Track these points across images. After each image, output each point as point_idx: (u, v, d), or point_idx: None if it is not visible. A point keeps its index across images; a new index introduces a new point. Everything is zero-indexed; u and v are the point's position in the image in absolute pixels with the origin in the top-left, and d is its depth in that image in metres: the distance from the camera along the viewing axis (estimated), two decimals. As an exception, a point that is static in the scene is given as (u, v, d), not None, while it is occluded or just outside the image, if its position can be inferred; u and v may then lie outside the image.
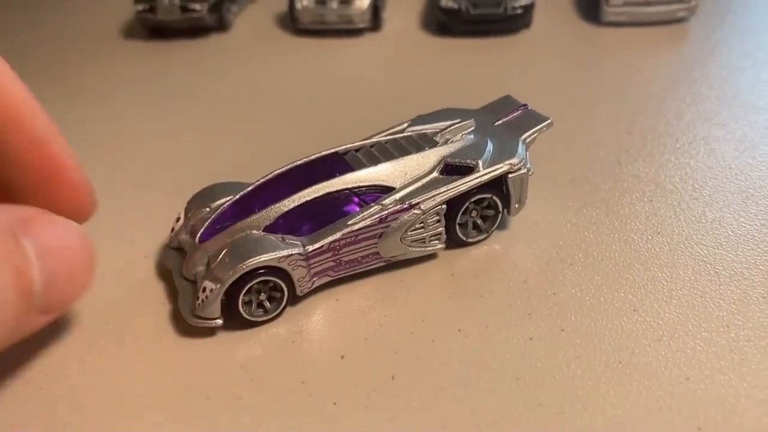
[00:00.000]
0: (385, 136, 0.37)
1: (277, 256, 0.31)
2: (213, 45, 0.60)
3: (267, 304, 0.32)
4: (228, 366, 0.30)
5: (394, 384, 0.29)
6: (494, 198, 0.35)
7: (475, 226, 0.35)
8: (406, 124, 0.38)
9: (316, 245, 0.32)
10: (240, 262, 0.30)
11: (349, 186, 0.33)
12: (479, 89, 0.50)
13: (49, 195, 0.30)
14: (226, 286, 0.30)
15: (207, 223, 0.33)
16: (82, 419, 0.28)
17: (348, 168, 0.34)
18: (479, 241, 0.36)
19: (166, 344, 0.31)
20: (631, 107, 0.47)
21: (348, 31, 0.59)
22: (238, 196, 0.34)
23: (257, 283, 0.31)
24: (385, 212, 0.32)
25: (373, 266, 0.34)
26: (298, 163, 0.35)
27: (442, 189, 0.33)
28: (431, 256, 0.35)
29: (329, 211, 0.33)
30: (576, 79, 0.52)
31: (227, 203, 0.34)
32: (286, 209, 0.33)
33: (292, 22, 0.59)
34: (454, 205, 0.34)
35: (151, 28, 0.61)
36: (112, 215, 0.39)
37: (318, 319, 0.32)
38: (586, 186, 0.39)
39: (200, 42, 0.60)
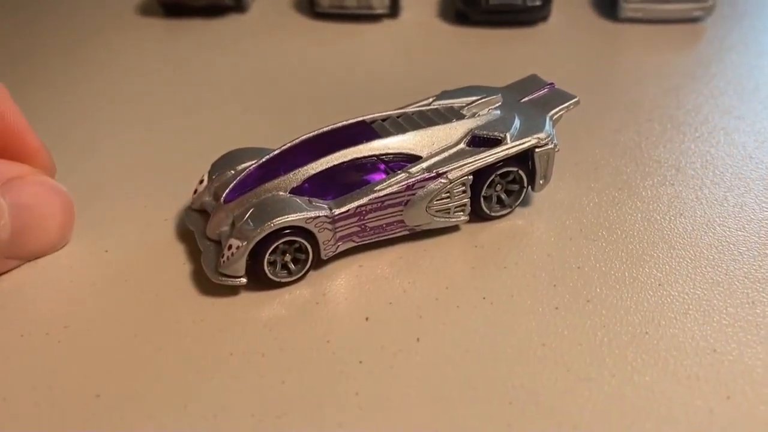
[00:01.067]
0: (412, 108, 0.37)
1: (305, 216, 0.31)
2: (230, 25, 0.60)
3: (291, 265, 0.31)
4: (251, 324, 0.30)
5: (419, 346, 0.29)
6: (520, 172, 0.35)
7: (499, 201, 0.35)
8: (431, 99, 0.38)
9: (343, 209, 0.31)
10: (267, 220, 0.30)
11: (376, 153, 0.33)
12: (496, 78, 0.50)
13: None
14: (253, 243, 0.30)
15: (232, 184, 0.33)
16: (106, 379, 0.28)
17: (375, 135, 0.34)
18: (502, 216, 0.36)
19: (188, 303, 0.31)
20: (650, 98, 0.47)
21: (366, 16, 0.59)
22: (263, 159, 0.33)
23: (283, 243, 0.31)
24: (413, 179, 0.32)
25: (397, 234, 0.33)
26: (325, 129, 0.35)
27: (470, 159, 0.33)
28: (453, 229, 0.35)
29: (355, 177, 0.33)
30: (594, 71, 0.52)
31: (253, 166, 0.33)
32: (312, 172, 0.32)
33: (310, 6, 0.59)
34: (480, 177, 0.34)
35: (168, 6, 0.61)
36: (131, 181, 0.39)
37: (341, 283, 0.32)
38: (608, 168, 0.39)
39: (217, 22, 0.60)
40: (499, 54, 0.54)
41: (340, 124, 0.35)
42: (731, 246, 0.33)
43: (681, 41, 0.56)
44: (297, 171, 0.32)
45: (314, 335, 0.29)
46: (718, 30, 0.57)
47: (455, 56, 0.54)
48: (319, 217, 0.31)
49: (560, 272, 0.32)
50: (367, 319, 0.30)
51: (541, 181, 0.35)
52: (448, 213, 0.34)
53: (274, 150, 0.34)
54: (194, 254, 0.33)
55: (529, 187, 0.36)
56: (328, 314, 0.30)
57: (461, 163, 0.33)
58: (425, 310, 0.30)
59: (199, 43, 0.57)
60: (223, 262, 0.31)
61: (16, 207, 0.31)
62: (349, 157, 0.33)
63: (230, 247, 0.30)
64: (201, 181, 0.35)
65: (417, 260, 0.33)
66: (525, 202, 0.36)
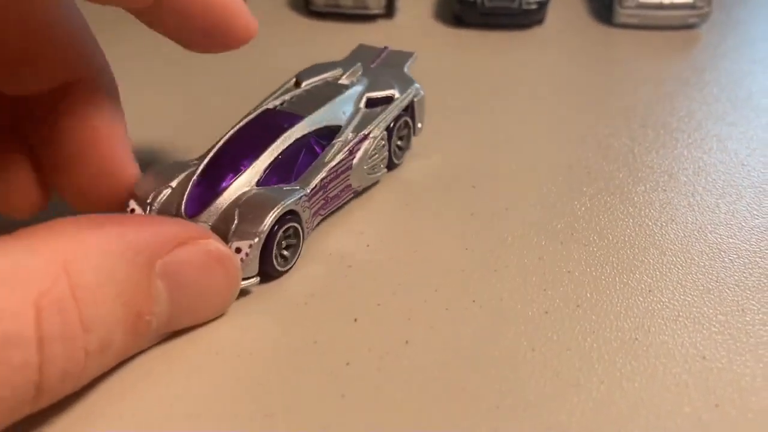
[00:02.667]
0: (295, 92, 0.38)
1: (296, 198, 0.31)
2: (224, 22, 0.59)
3: (286, 252, 0.32)
4: (237, 324, 0.30)
5: (407, 348, 0.28)
6: (407, 119, 0.39)
7: (399, 148, 0.39)
8: (292, 81, 0.39)
9: (312, 186, 0.33)
10: (268, 211, 0.30)
11: (308, 131, 0.34)
12: (491, 80, 0.50)
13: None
14: (264, 236, 0.30)
15: (185, 198, 0.31)
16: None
17: (296, 117, 0.35)
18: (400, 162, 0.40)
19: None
20: (644, 104, 0.47)
21: (361, 16, 0.59)
22: (202, 167, 0.32)
23: (283, 231, 0.31)
24: (351, 144, 0.35)
25: (347, 200, 0.36)
26: (242, 124, 0.34)
27: (382, 116, 0.37)
28: (444, 231, 0.35)
29: (301, 157, 0.34)
30: (588, 75, 0.52)
31: (194, 175, 0.32)
32: (268, 162, 0.32)
33: (305, 4, 0.59)
34: (387, 130, 0.38)
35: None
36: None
37: (329, 285, 0.32)
38: (601, 173, 0.39)
39: (211, 19, 0.60)
40: (494, 57, 0.54)
41: (253, 115, 0.35)
42: (722, 253, 0.33)
43: (676, 48, 0.56)
44: (252, 166, 0.32)
45: (301, 336, 0.29)
46: (712, 37, 0.57)
47: (450, 58, 0.54)
48: (302, 197, 0.32)
49: (551, 276, 0.32)
50: (355, 320, 0.30)
51: (419, 125, 0.40)
52: (376, 169, 0.37)
53: (201, 158, 0.33)
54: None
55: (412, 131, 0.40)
56: (315, 315, 0.30)
57: (377, 121, 0.37)
58: (414, 313, 0.30)
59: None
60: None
61: (175, 289, 0.26)
62: (291, 140, 0.34)
63: (239, 250, 0.30)
64: (131, 210, 0.31)
65: (406, 262, 0.33)
66: (513, 209, 0.36)
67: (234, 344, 0.29)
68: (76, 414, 0.26)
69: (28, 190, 0.32)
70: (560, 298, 0.31)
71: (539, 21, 0.58)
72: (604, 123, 0.45)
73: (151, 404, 0.26)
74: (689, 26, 0.58)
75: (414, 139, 0.40)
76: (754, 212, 0.36)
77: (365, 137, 0.36)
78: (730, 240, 0.34)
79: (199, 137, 0.35)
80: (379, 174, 0.37)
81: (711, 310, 0.30)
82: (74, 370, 0.23)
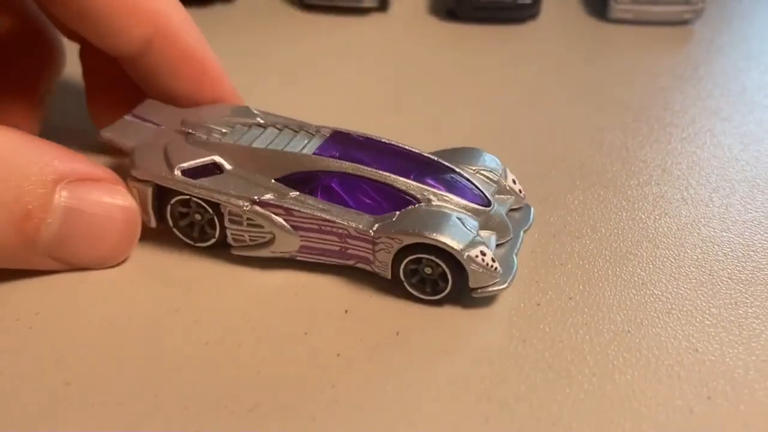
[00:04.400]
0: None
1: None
2: (217, 15, 0.59)
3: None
4: (227, 314, 0.29)
5: (399, 339, 0.28)
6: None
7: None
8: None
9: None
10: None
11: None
12: (484, 75, 0.50)
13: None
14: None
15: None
16: (76, 366, 0.27)
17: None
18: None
19: (163, 292, 0.30)
20: (637, 98, 0.47)
21: (355, 9, 0.58)
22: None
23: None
24: None
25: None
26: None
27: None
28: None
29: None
30: (582, 69, 0.51)
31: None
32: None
33: (299, -3, 0.59)
34: None
35: (155, -6, 0.60)
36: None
37: (321, 275, 0.31)
38: (594, 167, 0.39)
39: (204, 11, 0.59)
40: (489, 51, 0.54)
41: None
42: (715, 246, 0.33)
43: (670, 43, 0.56)
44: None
45: (292, 327, 0.29)
46: (706, 32, 0.57)
47: (444, 52, 0.54)
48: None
49: (543, 269, 0.32)
50: (346, 311, 0.29)
51: None
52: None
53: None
54: (167, 237, 0.32)
55: None
56: (306, 306, 0.30)
57: None
58: (405, 304, 0.30)
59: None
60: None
61: (71, 211, 0.29)
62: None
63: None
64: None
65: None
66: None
67: (222, 335, 0.28)
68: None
69: None
70: (552, 291, 0.30)
71: (533, 15, 0.58)
72: (597, 117, 0.44)
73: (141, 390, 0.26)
74: (683, 22, 0.58)
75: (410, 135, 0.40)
76: (748, 206, 0.36)
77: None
78: (724, 234, 0.34)
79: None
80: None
81: (704, 303, 0.30)
82: None
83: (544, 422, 0.25)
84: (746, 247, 0.33)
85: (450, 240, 0.28)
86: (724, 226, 0.35)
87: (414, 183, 0.30)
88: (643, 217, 0.35)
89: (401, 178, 0.30)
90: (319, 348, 0.28)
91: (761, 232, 0.34)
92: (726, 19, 0.59)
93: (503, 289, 0.29)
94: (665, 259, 0.32)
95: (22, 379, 0.26)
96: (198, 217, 0.31)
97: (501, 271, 0.29)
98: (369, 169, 0.30)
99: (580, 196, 0.37)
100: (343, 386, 0.26)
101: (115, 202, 0.31)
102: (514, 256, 0.31)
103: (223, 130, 0.33)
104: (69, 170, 0.29)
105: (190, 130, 0.33)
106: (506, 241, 0.31)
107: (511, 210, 0.33)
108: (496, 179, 0.32)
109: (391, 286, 0.30)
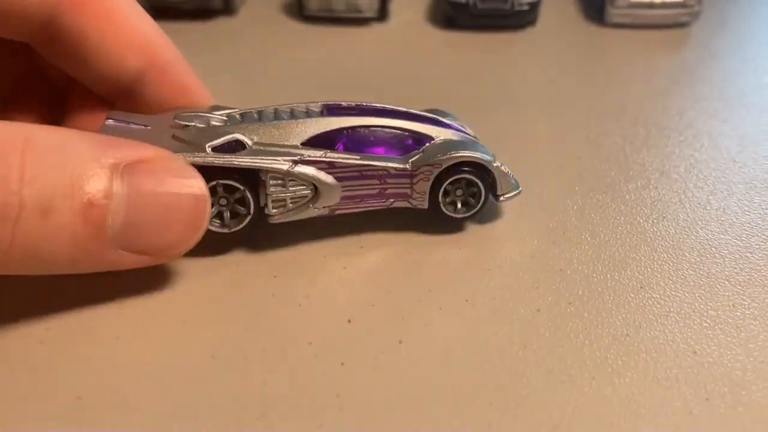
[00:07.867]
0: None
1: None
2: (219, 28, 0.60)
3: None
4: (233, 326, 0.30)
5: (401, 347, 0.29)
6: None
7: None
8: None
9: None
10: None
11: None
12: (483, 82, 0.51)
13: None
14: None
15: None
16: (86, 381, 0.28)
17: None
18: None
19: (172, 305, 0.31)
20: (635, 102, 0.47)
21: (355, 20, 0.59)
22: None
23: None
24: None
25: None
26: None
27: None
28: (437, 231, 0.35)
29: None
30: (580, 74, 0.52)
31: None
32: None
33: (299, 9, 0.59)
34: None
35: (156, 7, 0.60)
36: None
37: (324, 286, 0.32)
38: (592, 171, 0.40)
39: (206, 25, 0.60)
40: (487, 58, 0.54)
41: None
42: (713, 249, 0.34)
43: (667, 46, 0.56)
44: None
45: (296, 337, 0.29)
46: (703, 35, 0.57)
47: (443, 60, 0.54)
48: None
49: (543, 275, 0.32)
50: (349, 321, 0.30)
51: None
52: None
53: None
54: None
55: None
56: (310, 316, 0.30)
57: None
58: (407, 312, 0.30)
59: (188, 46, 0.56)
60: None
61: (135, 195, 0.28)
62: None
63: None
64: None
65: (400, 263, 0.33)
66: (508, 206, 0.36)
67: (228, 347, 0.29)
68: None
69: None
70: (552, 296, 0.31)
71: (531, 22, 0.59)
72: (595, 121, 0.45)
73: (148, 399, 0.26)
74: (680, 25, 0.59)
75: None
76: (745, 208, 0.36)
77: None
78: (721, 236, 0.34)
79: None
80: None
81: (702, 306, 0.30)
82: (10, 213, 0.25)
83: (546, 426, 0.25)
84: (744, 249, 0.34)
85: (480, 155, 0.34)
86: (721, 229, 0.35)
87: (421, 125, 0.34)
88: (641, 221, 0.36)
89: (409, 123, 0.34)
90: (323, 357, 0.28)
91: (758, 234, 0.35)
92: (722, 21, 0.60)
93: (519, 193, 0.35)
94: (663, 263, 0.33)
95: (36, 394, 0.27)
96: (223, 201, 0.32)
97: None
98: (383, 119, 0.34)
99: (579, 201, 0.37)
100: (348, 394, 0.27)
101: (181, 182, 0.29)
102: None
103: (223, 118, 0.33)
104: (125, 155, 0.28)
105: (187, 123, 0.33)
106: None
107: None
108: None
109: (392, 295, 0.31)
